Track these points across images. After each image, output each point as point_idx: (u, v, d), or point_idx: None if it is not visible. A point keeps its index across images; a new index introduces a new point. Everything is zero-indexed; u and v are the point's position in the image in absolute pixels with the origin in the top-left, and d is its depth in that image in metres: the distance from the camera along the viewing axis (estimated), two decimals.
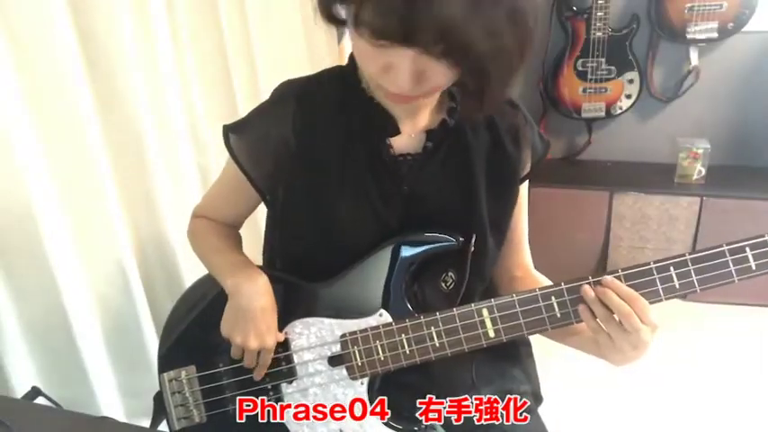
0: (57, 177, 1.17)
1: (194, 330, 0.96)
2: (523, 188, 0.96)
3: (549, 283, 0.96)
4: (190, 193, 1.51)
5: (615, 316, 0.74)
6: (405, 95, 0.71)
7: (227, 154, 0.91)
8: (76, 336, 1.19)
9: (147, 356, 1.35)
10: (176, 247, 1.42)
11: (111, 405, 1.30)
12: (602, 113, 2.54)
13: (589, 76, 2.48)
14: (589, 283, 0.76)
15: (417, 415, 0.97)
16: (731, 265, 0.73)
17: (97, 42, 1.21)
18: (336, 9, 0.71)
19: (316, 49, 2.04)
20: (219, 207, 1.02)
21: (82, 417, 0.83)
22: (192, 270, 1.36)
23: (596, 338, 0.78)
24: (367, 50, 0.67)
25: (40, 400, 0.94)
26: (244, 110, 1.73)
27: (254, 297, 0.86)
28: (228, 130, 0.91)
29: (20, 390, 1.12)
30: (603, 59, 2.45)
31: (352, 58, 0.88)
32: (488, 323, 0.80)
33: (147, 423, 1.00)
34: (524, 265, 1.01)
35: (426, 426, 0.92)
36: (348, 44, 0.81)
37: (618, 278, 0.75)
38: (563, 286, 0.78)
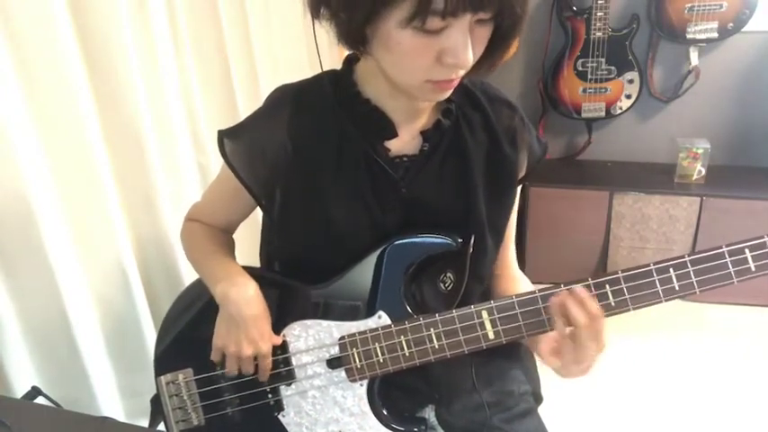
0: (57, 177, 1.17)
1: (191, 332, 0.96)
2: (517, 190, 0.96)
3: (529, 282, 0.97)
4: (190, 193, 1.50)
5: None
6: (453, 80, 0.74)
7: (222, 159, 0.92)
8: (76, 336, 1.19)
9: (147, 356, 1.35)
10: (176, 247, 1.42)
11: (111, 405, 1.30)
12: (602, 113, 2.54)
13: (589, 76, 2.48)
14: (589, 286, 0.76)
15: (417, 416, 0.97)
16: (730, 266, 0.73)
17: (97, 42, 1.21)
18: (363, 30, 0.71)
19: (315, 48, 2.04)
20: (214, 212, 1.02)
21: (82, 417, 0.82)
22: (191, 270, 1.36)
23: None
24: (417, 46, 0.69)
25: (40, 400, 0.94)
26: (244, 110, 1.73)
27: (243, 305, 0.86)
28: (224, 136, 0.91)
29: (20, 390, 1.12)
30: (603, 59, 2.45)
31: (347, 61, 0.88)
32: (488, 324, 0.80)
33: (146, 423, 1.00)
34: (506, 264, 1.01)
35: (426, 427, 0.92)
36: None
37: (617, 280, 0.75)
38: (562, 288, 0.78)
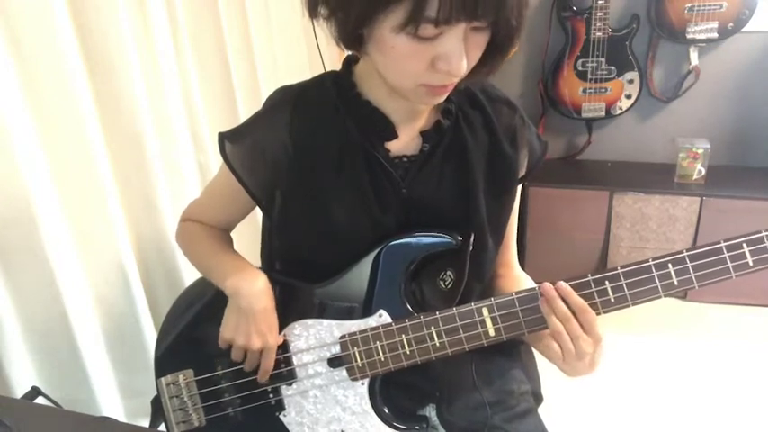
0: (57, 177, 1.17)
1: (191, 333, 0.96)
2: (517, 189, 0.96)
3: (532, 283, 0.97)
4: (190, 192, 1.50)
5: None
6: (447, 85, 0.73)
7: (222, 160, 0.92)
8: (76, 336, 1.19)
9: (147, 356, 1.35)
10: (176, 247, 1.41)
11: (111, 405, 1.30)
12: (602, 113, 2.54)
13: (589, 77, 2.48)
14: (588, 282, 0.76)
15: (418, 414, 0.97)
16: (729, 261, 0.73)
17: (97, 42, 1.21)
18: (359, 31, 0.70)
19: (315, 49, 2.04)
20: (212, 212, 1.02)
21: (82, 417, 0.82)
22: (191, 270, 1.36)
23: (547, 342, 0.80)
24: (411, 51, 0.68)
25: (40, 400, 0.94)
26: (244, 110, 1.73)
27: (254, 298, 0.86)
28: (224, 138, 0.91)
29: (20, 390, 1.12)
30: (603, 59, 2.45)
31: (346, 62, 0.88)
32: (488, 322, 0.80)
33: (146, 423, 1.00)
34: (509, 264, 1.02)
35: (427, 425, 0.92)
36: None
37: (617, 276, 0.76)
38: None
